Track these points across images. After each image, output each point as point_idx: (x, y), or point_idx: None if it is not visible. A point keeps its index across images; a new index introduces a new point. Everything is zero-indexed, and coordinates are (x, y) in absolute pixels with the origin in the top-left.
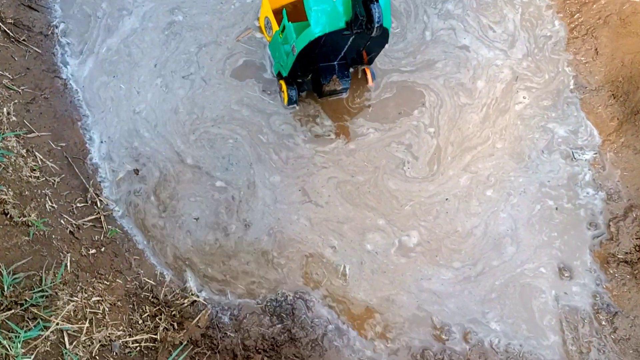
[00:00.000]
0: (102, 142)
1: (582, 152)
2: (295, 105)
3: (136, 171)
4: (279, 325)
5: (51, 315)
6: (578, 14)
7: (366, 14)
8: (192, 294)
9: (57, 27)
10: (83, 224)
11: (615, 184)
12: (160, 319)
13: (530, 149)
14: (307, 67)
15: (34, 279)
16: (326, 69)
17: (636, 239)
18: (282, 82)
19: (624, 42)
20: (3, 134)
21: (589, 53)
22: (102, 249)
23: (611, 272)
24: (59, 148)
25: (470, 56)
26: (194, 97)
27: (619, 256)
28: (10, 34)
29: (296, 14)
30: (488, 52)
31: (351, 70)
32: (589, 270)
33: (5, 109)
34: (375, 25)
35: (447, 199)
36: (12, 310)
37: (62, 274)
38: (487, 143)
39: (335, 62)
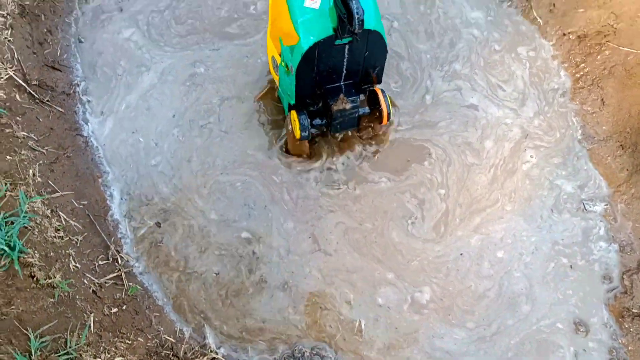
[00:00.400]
0: (122, 199)
1: (593, 203)
2: (308, 136)
3: (158, 224)
4: None
5: None
6: (583, 64)
7: (346, 12)
8: (211, 351)
9: (78, 86)
10: (105, 282)
11: (628, 236)
12: None
13: (541, 209)
14: (313, 90)
15: (59, 342)
16: (333, 90)
17: None
18: (292, 112)
19: (629, 93)
20: (30, 198)
21: (596, 103)
22: (124, 307)
23: (626, 326)
24: (81, 206)
25: (479, 115)
26: (209, 146)
27: (633, 310)
28: (35, 95)
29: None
30: (497, 111)
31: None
32: (605, 324)
33: (31, 171)
34: (356, 18)
35: (461, 254)
36: None
37: (86, 335)
38: (496, 205)
39: (341, 83)
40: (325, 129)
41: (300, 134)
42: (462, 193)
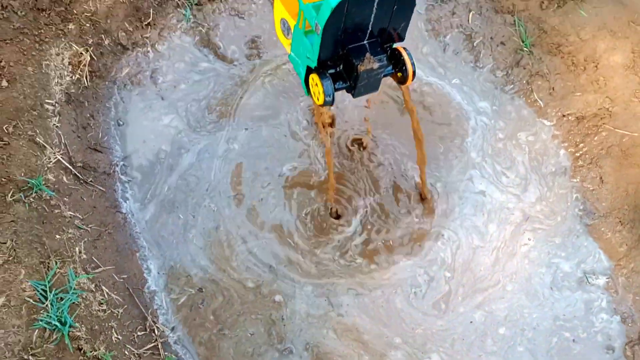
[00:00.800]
0: (159, 273)
1: (596, 277)
2: (331, 102)
3: (200, 289)
4: None
5: None
6: (582, 144)
7: None
8: None
9: (117, 166)
10: (143, 353)
11: (629, 308)
12: None
13: (541, 287)
14: (336, 51)
15: None
16: (357, 50)
17: None
18: (314, 75)
19: (626, 172)
20: (78, 276)
21: (595, 181)
22: None
23: None
24: (121, 280)
25: (485, 200)
26: (235, 217)
27: None
28: (80, 176)
29: None
30: (501, 196)
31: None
32: None
33: (77, 248)
34: None
35: (471, 322)
36: None
37: None
38: (498, 286)
39: (365, 42)
40: (349, 92)
41: (324, 99)
42: (466, 274)
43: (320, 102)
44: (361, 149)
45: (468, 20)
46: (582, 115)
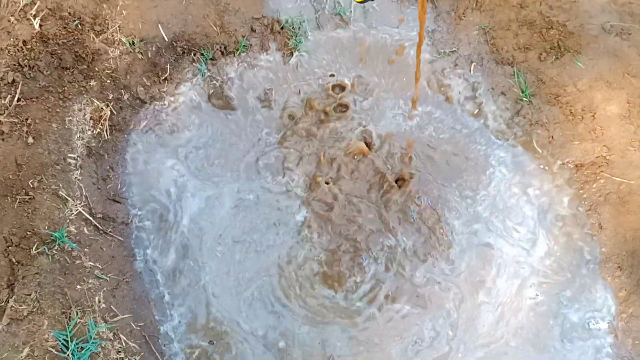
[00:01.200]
0: (175, 320)
1: (596, 321)
2: None
3: (211, 342)
4: None
5: None
6: (581, 191)
7: None
8: None
9: (135, 216)
10: None
11: (629, 352)
12: None
13: (550, 339)
14: None
15: None
16: None
17: None
18: None
19: (624, 219)
20: (97, 326)
21: (595, 227)
22: None
23: None
24: (138, 328)
25: (495, 254)
26: (245, 261)
27: None
28: (100, 227)
29: None
30: (512, 250)
31: None
32: None
33: (97, 298)
34: None
35: None
36: None
37: None
38: (501, 342)
39: None
40: None
41: None
42: (469, 332)
43: None
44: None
45: (470, 71)
46: (581, 163)
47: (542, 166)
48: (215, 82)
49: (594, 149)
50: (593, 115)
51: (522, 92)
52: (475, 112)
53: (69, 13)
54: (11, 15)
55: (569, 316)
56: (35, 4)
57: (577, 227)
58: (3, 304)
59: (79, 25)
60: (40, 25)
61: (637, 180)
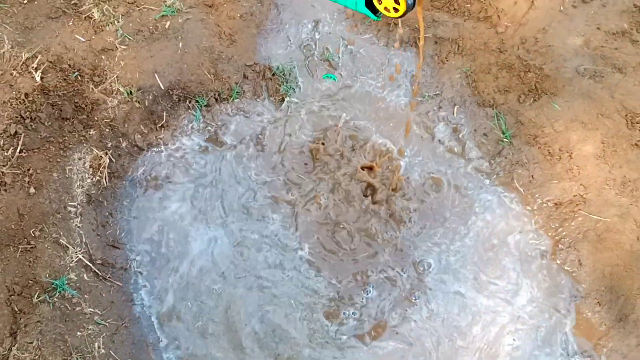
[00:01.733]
0: None
1: (576, 355)
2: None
3: None
4: None
5: None
6: (561, 228)
7: None
8: None
9: (134, 261)
10: None
11: None
12: None
13: None
14: None
15: None
16: None
17: None
18: None
19: (601, 256)
20: None
21: (574, 264)
22: None
23: None
24: None
25: (468, 303)
26: (247, 297)
27: None
28: (99, 273)
29: None
30: (488, 301)
31: None
32: None
33: (96, 344)
34: None
35: None
36: None
37: None
38: None
39: None
40: None
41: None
42: None
43: (403, 8)
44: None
45: (453, 114)
46: (560, 202)
47: (523, 205)
48: (210, 127)
49: (571, 187)
50: (570, 155)
51: (503, 133)
52: (459, 153)
53: (69, 65)
54: (13, 69)
55: (550, 352)
56: (36, 57)
57: (557, 265)
58: (6, 352)
59: (79, 77)
60: (42, 78)
61: (613, 218)
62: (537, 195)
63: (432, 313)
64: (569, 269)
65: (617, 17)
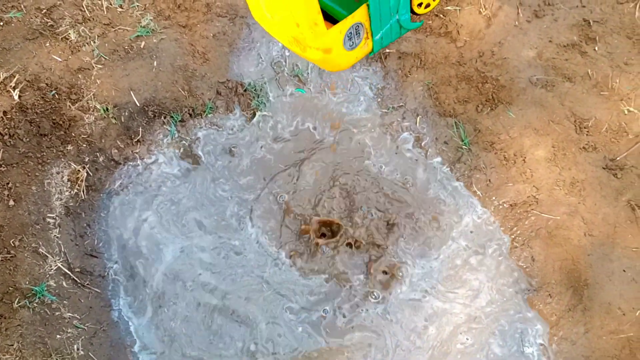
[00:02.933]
0: None
1: (530, 345)
2: None
3: None
4: None
5: None
6: (515, 227)
7: None
8: None
9: (111, 269)
10: None
11: None
12: None
13: None
14: None
15: None
16: None
17: None
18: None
19: (552, 251)
20: None
21: (527, 260)
22: None
23: None
24: None
25: (426, 305)
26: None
27: None
28: (78, 280)
29: None
30: (444, 305)
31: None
32: None
33: (75, 346)
34: None
35: None
36: None
37: None
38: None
39: None
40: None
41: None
42: None
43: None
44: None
45: (416, 124)
46: (515, 203)
47: (482, 207)
48: (184, 142)
49: (525, 189)
50: (524, 160)
51: (462, 140)
52: (421, 160)
53: (47, 84)
54: None
55: (506, 341)
56: (14, 77)
57: (513, 261)
58: None
59: (56, 95)
60: (20, 97)
61: (562, 216)
62: (494, 198)
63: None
64: (523, 264)
65: (568, 30)
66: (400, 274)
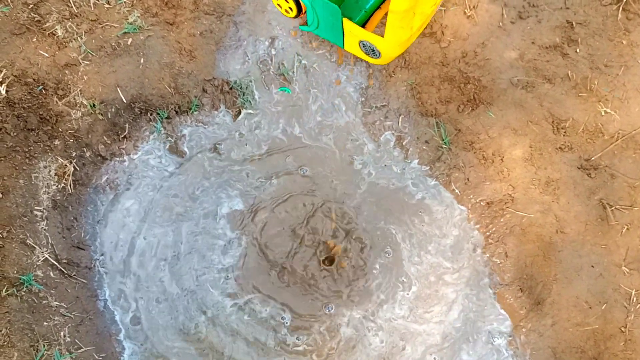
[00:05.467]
0: (132, 353)
1: (499, 336)
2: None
3: None
4: None
5: None
6: (491, 225)
7: None
8: None
9: (97, 261)
10: None
11: None
12: None
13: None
14: None
15: None
16: None
17: None
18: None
19: (525, 247)
20: (62, 356)
21: (501, 256)
22: None
23: None
24: (100, 358)
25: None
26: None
27: None
28: (65, 271)
29: None
30: (419, 327)
31: None
32: None
33: (62, 333)
34: None
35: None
36: None
37: None
38: None
39: None
40: None
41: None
42: None
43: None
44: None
45: (399, 123)
46: (491, 201)
47: (459, 205)
48: (170, 138)
49: (501, 188)
50: (502, 159)
51: (442, 140)
52: (402, 159)
53: (34, 79)
54: None
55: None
56: (1, 71)
57: (486, 257)
58: None
59: (43, 90)
60: (7, 91)
61: (536, 214)
62: (471, 196)
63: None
64: (496, 260)
65: (551, 32)
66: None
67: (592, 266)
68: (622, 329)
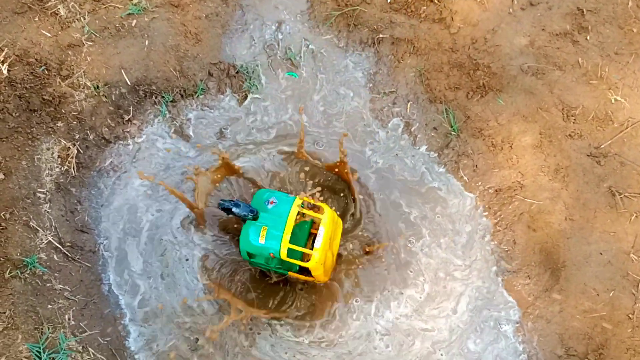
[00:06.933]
0: (138, 335)
1: (507, 323)
2: None
3: (196, 339)
4: None
5: None
6: (500, 212)
7: None
8: None
9: (101, 244)
10: None
11: (534, 347)
12: None
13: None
14: None
15: None
16: None
17: None
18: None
19: (533, 235)
20: (67, 339)
21: (509, 243)
22: None
23: None
24: (105, 342)
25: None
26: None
27: None
28: (69, 255)
29: None
30: (426, 325)
31: None
32: None
33: (66, 316)
34: None
35: None
36: None
37: None
38: None
39: None
40: None
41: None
42: None
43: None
44: None
45: (407, 110)
46: (500, 188)
47: (468, 192)
48: (175, 122)
49: (510, 175)
50: (511, 146)
51: (451, 126)
52: (411, 146)
53: (36, 59)
54: None
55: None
56: (2, 50)
57: (494, 244)
58: None
59: (46, 71)
60: (9, 71)
61: (545, 201)
62: (479, 183)
63: None
64: (504, 247)
65: (562, 19)
66: None
67: (601, 253)
68: (630, 315)
